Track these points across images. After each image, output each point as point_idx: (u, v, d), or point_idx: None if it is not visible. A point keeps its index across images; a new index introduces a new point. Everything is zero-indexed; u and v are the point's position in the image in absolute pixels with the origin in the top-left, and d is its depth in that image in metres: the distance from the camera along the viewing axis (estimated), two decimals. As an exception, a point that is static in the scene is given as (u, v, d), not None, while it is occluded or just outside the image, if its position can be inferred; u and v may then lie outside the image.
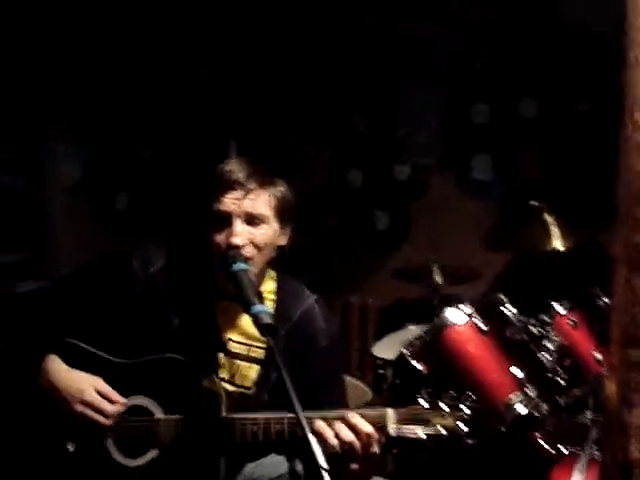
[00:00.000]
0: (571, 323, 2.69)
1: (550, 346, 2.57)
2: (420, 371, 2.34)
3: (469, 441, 1.81)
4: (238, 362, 2.11)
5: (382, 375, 3.11)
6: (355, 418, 1.84)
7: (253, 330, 2.10)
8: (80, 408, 1.96)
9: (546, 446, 2.54)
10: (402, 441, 1.84)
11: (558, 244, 3.03)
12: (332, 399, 2.14)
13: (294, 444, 1.91)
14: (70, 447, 2.00)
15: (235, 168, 2.03)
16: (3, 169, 3.98)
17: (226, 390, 2.06)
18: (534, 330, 2.50)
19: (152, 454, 1.95)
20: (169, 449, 1.94)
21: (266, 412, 1.96)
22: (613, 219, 3.23)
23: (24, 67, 3.96)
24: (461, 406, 1.82)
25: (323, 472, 1.48)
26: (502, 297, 2.53)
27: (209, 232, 2.02)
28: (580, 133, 3.59)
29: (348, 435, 1.82)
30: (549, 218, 3.10)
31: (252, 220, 2.01)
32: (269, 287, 2.17)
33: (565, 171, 3.65)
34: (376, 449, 1.83)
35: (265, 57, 4.03)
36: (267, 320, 1.73)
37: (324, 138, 4.11)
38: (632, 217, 1.92)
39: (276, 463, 2.21)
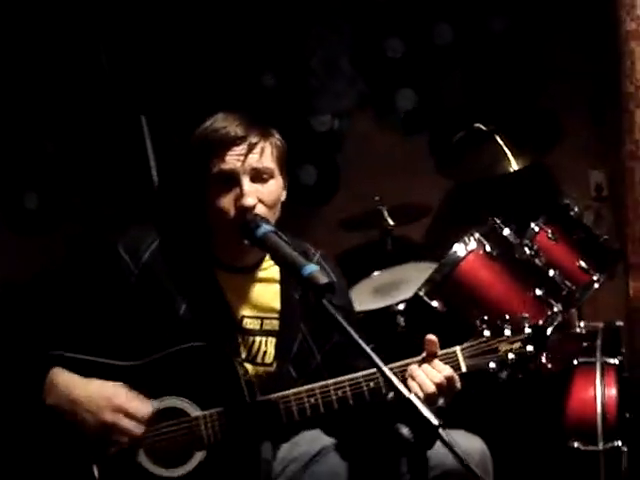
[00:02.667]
0: (551, 237, 2.68)
1: (539, 262, 2.54)
2: (437, 309, 2.24)
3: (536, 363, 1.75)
4: (253, 338, 1.93)
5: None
6: (436, 361, 1.74)
7: (263, 300, 1.96)
8: (111, 417, 1.71)
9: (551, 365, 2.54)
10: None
11: (514, 164, 3.01)
12: (360, 363, 2.01)
13: (354, 408, 1.78)
14: (95, 471, 1.76)
15: (229, 122, 1.82)
16: None
17: (247, 371, 1.88)
18: (527, 250, 2.45)
19: (199, 457, 1.75)
20: (216, 447, 1.75)
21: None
22: (544, 136, 3.27)
23: None
24: (524, 328, 1.75)
25: (439, 429, 1.36)
26: (497, 219, 2.46)
27: (210, 197, 1.82)
28: (498, 53, 3.57)
29: (438, 376, 1.71)
30: (500, 140, 3.07)
31: (259, 176, 1.82)
32: None
33: (489, 94, 3.62)
34: (459, 387, 1.74)
35: (164, 29, 3.74)
36: (324, 279, 1.58)
37: (235, 102, 3.88)
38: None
39: (312, 438, 2.07)
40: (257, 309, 1.94)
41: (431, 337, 1.74)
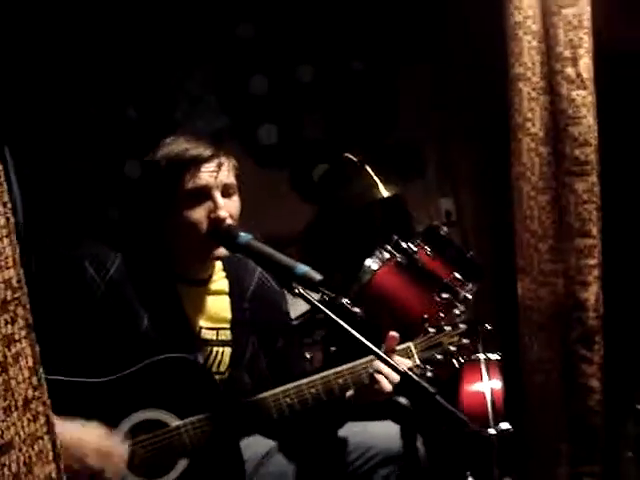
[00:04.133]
0: (429, 254, 3.00)
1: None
2: (357, 315, 2.47)
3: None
4: (211, 348, 2.06)
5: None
6: (396, 358, 1.95)
7: (217, 311, 2.11)
8: (98, 464, 1.72)
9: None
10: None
11: (384, 192, 3.31)
12: (303, 367, 2.19)
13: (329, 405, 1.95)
14: None
15: (195, 143, 1.97)
16: None
17: None
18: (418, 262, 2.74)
19: (182, 465, 1.83)
20: (199, 453, 1.83)
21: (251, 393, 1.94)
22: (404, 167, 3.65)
23: None
24: (459, 324, 2.04)
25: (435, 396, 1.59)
26: (395, 237, 2.73)
27: (182, 212, 1.93)
28: (356, 91, 3.90)
29: (401, 367, 1.89)
30: (370, 169, 3.37)
31: (227, 191, 1.98)
32: (218, 265, 2.13)
33: (348, 129, 3.94)
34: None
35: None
36: (317, 276, 1.74)
37: (97, 137, 3.88)
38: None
39: (255, 442, 2.20)
40: (212, 320, 2.07)
41: (393, 333, 1.97)
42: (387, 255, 2.65)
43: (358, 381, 1.94)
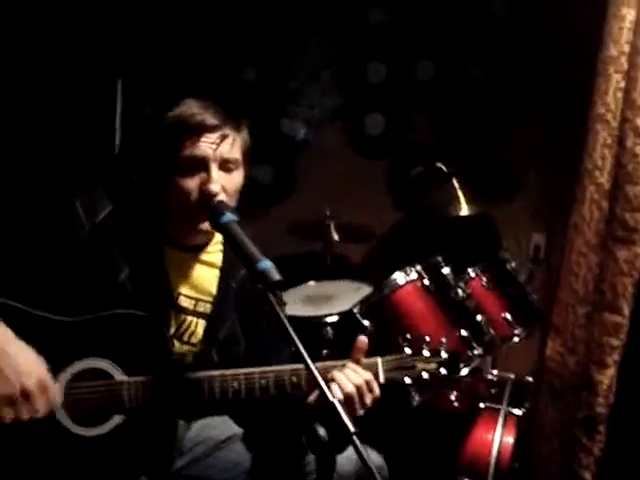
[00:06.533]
0: (485, 285, 2.81)
1: (469, 306, 2.67)
2: (366, 329, 2.35)
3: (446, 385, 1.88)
4: (185, 316, 1.99)
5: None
6: (353, 366, 1.83)
7: (202, 282, 2.02)
8: (11, 397, 1.66)
9: (458, 404, 2.67)
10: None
11: (465, 210, 3.14)
12: (280, 358, 2.08)
13: (278, 401, 1.86)
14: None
15: (206, 110, 1.87)
16: None
17: (173, 346, 1.94)
18: (460, 292, 2.57)
19: (116, 420, 1.78)
20: (135, 413, 1.79)
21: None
22: (499, 189, 3.43)
23: None
24: (441, 351, 1.88)
25: (353, 436, 1.45)
26: (439, 258, 2.58)
27: (175, 177, 1.86)
28: (473, 100, 3.70)
29: (358, 379, 1.80)
30: (457, 183, 3.20)
31: (226, 166, 1.88)
32: (217, 237, 2.04)
33: (455, 137, 3.75)
34: (378, 394, 1.84)
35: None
36: (277, 277, 1.63)
37: (211, 87, 3.92)
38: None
39: (222, 424, 2.14)
40: (194, 289, 2.00)
41: (362, 343, 1.85)
42: (415, 275, 2.49)
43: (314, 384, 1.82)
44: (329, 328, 2.71)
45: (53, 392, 1.73)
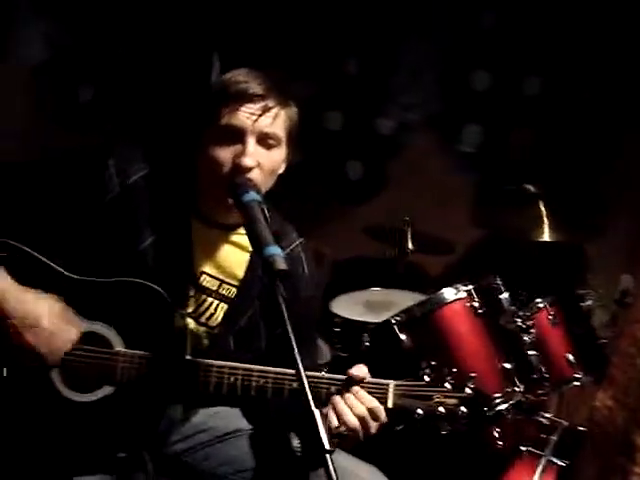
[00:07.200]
0: (551, 319, 2.58)
1: (527, 339, 2.45)
2: (402, 343, 2.18)
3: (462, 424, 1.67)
4: (206, 297, 1.89)
5: (338, 333, 2.94)
6: (360, 392, 1.68)
7: (229, 264, 1.91)
8: (32, 339, 1.65)
9: (501, 442, 2.45)
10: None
11: (547, 236, 2.90)
12: (307, 356, 1.95)
13: (277, 403, 1.74)
14: (3, 372, 1.72)
15: (252, 79, 1.77)
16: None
17: (187, 326, 1.85)
18: (519, 322, 2.36)
19: (105, 391, 1.71)
20: (125, 387, 1.71)
21: (233, 361, 1.74)
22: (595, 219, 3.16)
23: None
24: (465, 387, 1.68)
25: (326, 455, 1.31)
26: (499, 281, 2.38)
27: (209, 147, 1.76)
28: (581, 122, 3.44)
29: (362, 410, 1.66)
30: (542, 207, 2.97)
31: (265, 141, 1.77)
32: None
33: (557, 159, 3.50)
34: (384, 420, 1.68)
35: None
36: (282, 266, 1.51)
37: (310, 72, 3.83)
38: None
39: (231, 416, 2.03)
40: (219, 270, 1.89)
41: (360, 372, 1.70)
42: (464, 294, 2.29)
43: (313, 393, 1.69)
44: (366, 335, 2.55)
45: (75, 328, 1.70)
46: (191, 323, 1.88)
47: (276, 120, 1.77)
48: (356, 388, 1.68)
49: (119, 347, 1.73)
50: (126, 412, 1.71)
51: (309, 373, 1.68)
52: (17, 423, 1.71)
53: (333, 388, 1.70)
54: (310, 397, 1.39)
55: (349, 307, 3.05)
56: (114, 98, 3.78)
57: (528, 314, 2.51)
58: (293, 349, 1.44)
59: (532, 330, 2.48)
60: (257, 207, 1.65)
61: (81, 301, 1.75)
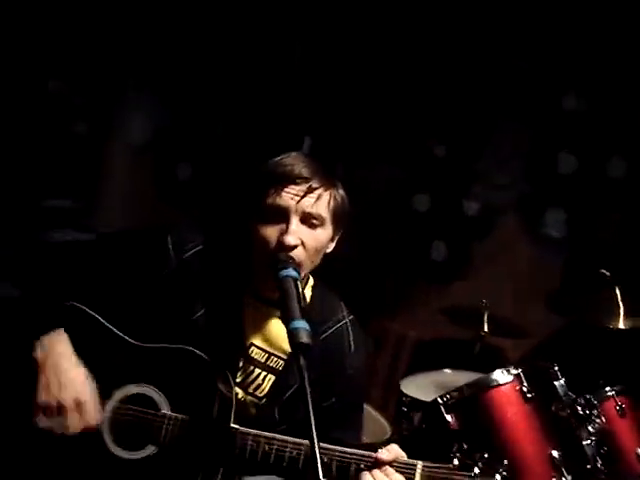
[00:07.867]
0: (619, 410, 2.49)
1: (591, 429, 2.37)
2: (449, 424, 2.17)
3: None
4: (254, 368, 1.98)
5: (404, 413, 2.93)
6: (388, 469, 1.72)
7: (277, 338, 1.99)
8: (48, 407, 1.81)
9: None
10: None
11: (622, 323, 2.83)
12: (345, 434, 1.99)
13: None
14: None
15: (298, 162, 1.89)
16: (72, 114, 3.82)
17: (236, 395, 1.92)
18: (579, 410, 2.30)
19: (149, 450, 1.82)
20: (168, 449, 1.81)
21: (276, 432, 1.81)
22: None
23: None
24: (496, 475, 1.66)
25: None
26: (555, 367, 2.33)
27: (257, 225, 1.88)
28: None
29: None
30: (619, 292, 2.90)
31: (308, 220, 1.87)
32: (307, 292, 2.03)
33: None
34: None
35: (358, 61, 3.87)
36: (305, 339, 1.58)
37: (399, 156, 3.94)
38: None
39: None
40: (268, 343, 1.98)
41: (389, 455, 1.73)
42: (511, 377, 2.27)
43: (340, 467, 1.72)
44: (419, 414, 2.54)
45: (90, 414, 1.81)
46: (239, 392, 1.96)
47: (319, 201, 1.86)
48: (386, 468, 1.71)
49: (165, 410, 1.84)
50: (166, 472, 1.81)
51: (339, 447, 1.75)
52: (66, 473, 1.84)
53: (363, 465, 1.74)
54: (320, 469, 1.42)
55: (418, 387, 3.05)
56: (211, 176, 4.02)
57: (598, 402, 2.44)
58: (311, 424, 1.48)
59: (597, 420, 2.40)
60: (291, 282, 1.72)
61: (135, 364, 1.88)
